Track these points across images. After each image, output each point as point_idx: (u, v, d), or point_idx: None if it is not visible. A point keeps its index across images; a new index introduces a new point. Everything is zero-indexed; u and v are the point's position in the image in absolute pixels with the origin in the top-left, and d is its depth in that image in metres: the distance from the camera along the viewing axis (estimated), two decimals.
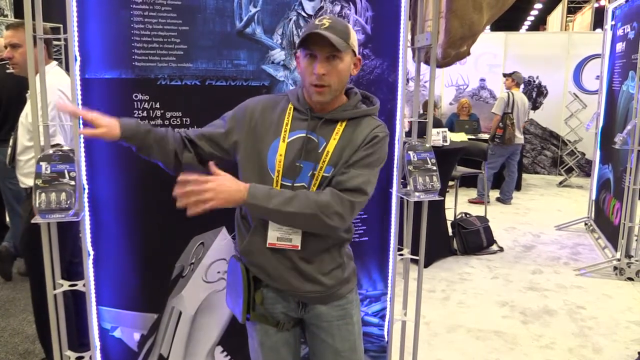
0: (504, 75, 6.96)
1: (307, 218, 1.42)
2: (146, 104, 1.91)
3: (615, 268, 4.31)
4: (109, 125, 1.48)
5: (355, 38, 1.50)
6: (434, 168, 2.18)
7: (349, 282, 1.64)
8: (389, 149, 2.16)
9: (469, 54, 2.32)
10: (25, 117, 2.38)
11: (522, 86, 8.20)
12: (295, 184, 1.49)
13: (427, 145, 2.23)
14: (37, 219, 1.77)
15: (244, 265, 1.58)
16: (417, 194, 2.14)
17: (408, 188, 2.17)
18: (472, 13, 2.10)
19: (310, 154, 1.50)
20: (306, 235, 1.50)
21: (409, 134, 2.42)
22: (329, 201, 1.43)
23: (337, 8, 2.07)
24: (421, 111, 5.76)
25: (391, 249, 2.29)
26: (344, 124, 1.53)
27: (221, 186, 1.38)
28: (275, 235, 1.50)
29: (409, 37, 2.29)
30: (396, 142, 2.20)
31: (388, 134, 1.56)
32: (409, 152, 2.18)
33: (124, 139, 1.50)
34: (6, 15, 6.89)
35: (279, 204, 1.41)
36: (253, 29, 1.97)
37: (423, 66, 2.37)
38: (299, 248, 1.50)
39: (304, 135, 1.51)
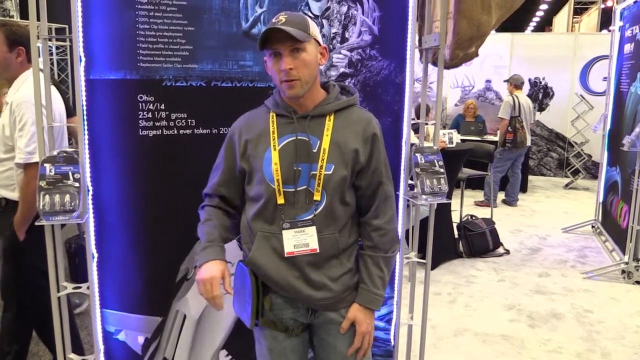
0: (505, 81, 6.96)
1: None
2: (151, 105, 1.90)
3: (623, 271, 4.27)
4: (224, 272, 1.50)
5: (315, 28, 1.50)
6: (442, 170, 2.15)
7: (357, 288, 1.60)
8: (396, 151, 2.16)
9: (476, 55, 2.29)
10: (2, 128, 2.27)
11: (527, 88, 8.20)
12: (297, 189, 1.48)
13: (435, 147, 2.20)
14: (41, 221, 1.76)
15: (253, 270, 1.55)
16: (424, 196, 2.11)
17: (415, 191, 2.14)
18: (480, 14, 2.08)
19: (305, 155, 1.49)
20: (320, 239, 1.49)
21: None
22: (393, 216, 1.60)
23: (344, 8, 2.05)
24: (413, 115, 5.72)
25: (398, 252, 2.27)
26: (332, 117, 1.52)
27: (368, 332, 1.58)
28: (291, 243, 1.48)
29: (417, 38, 2.27)
30: (403, 144, 2.18)
31: (378, 121, 1.60)
32: (417, 154, 2.15)
33: None
34: (12, 16, 6.91)
35: (384, 286, 1.59)
36: (259, 29, 1.95)
37: (430, 67, 2.35)
38: (318, 250, 1.48)
39: (294, 138, 1.50)
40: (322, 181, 1.47)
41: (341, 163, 1.49)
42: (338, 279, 1.54)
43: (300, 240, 1.48)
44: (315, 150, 1.49)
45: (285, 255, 1.48)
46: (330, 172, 1.48)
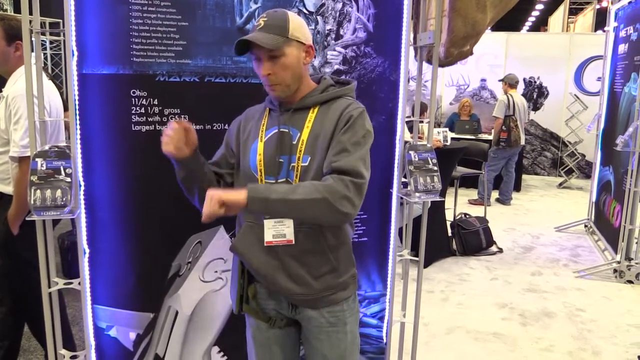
0: (499, 80, 6.98)
1: (317, 204, 1.36)
2: (144, 100, 1.89)
3: (615, 270, 4.29)
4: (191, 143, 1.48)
5: (299, 26, 1.47)
6: (435, 168, 2.15)
7: (345, 289, 1.59)
8: (389, 148, 2.16)
9: (471, 53, 2.29)
10: None
11: (522, 87, 8.22)
12: (278, 180, 1.50)
13: (428, 145, 2.20)
14: (31, 216, 1.74)
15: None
16: (417, 194, 2.11)
17: (408, 188, 2.14)
18: (475, 12, 2.07)
19: (286, 147, 1.51)
20: (299, 231, 1.48)
21: None
22: (334, 185, 1.37)
23: (339, 5, 2.04)
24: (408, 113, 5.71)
25: (391, 249, 2.27)
26: (315, 110, 1.53)
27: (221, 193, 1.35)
28: (270, 233, 1.49)
29: (412, 35, 2.26)
30: (397, 141, 2.18)
31: (364, 109, 1.52)
32: (410, 151, 2.15)
33: (190, 157, 1.48)
34: (6, 10, 6.85)
35: (283, 194, 1.37)
36: (253, 25, 1.94)
37: (424, 65, 2.35)
38: (293, 242, 1.49)
39: (277, 130, 1.53)
40: (299, 173, 1.49)
41: (318, 154, 1.48)
42: (320, 277, 1.53)
43: (279, 230, 1.49)
44: (295, 142, 1.50)
45: (265, 244, 1.49)
46: (306, 164, 1.48)
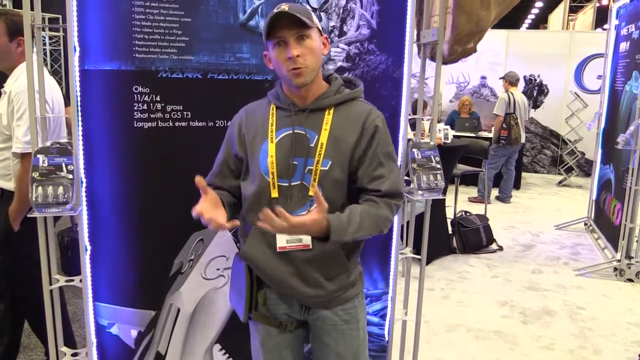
0: (500, 78, 6.98)
1: (373, 234, 1.47)
2: (146, 96, 1.87)
3: (615, 269, 4.29)
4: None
5: (316, 18, 1.49)
6: (438, 166, 2.14)
7: (354, 286, 1.58)
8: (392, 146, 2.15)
9: (475, 50, 2.28)
10: None
11: (522, 85, 8.21)
12: (291, 183, 1.45)
13: (432, 143, 2.19)
14: (33, 213, 1.73)
15: (247, 264, 1.53)
16: (420, 192, 2.10)
17: (411, 186, 2.13)
18: (479, 9, 2.06)
19: (302, 149, 1.46)
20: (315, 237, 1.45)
21: None
22: (385, 213, 1.47)
23: (343, 2, 2.03)
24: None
25: (393, 247, 2.26)
26: (331, 111, 1.49)
27: (305, 228, 1.32)
28: (284, 238, 1.45)
29: (415, 32, 2.25)
30: (400, 139, 2.17)
31: (383, 116, 1.54)
32: (413, 149, 2.15)
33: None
34: (5, 6, 6.82)
35: (354, 232, 1.40)
36: (257, 21, 1.93)
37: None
38: (311, 247, 1.45)
39: (291, 131, 1.48)
40: (317, 176, 1.44)
41: (338, 161, 1.45)
42: (334, 278, 1.52)
43: (293, 235, 1.44)
44: (312, 145, 1.46)
45: (277, 250, 1.46)
46: (326, 168, 1.45)
